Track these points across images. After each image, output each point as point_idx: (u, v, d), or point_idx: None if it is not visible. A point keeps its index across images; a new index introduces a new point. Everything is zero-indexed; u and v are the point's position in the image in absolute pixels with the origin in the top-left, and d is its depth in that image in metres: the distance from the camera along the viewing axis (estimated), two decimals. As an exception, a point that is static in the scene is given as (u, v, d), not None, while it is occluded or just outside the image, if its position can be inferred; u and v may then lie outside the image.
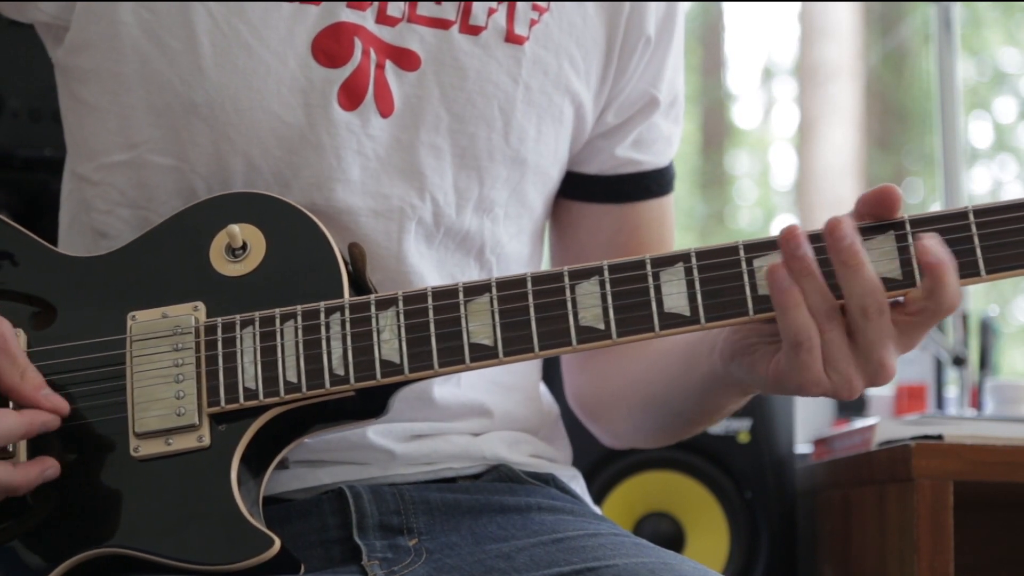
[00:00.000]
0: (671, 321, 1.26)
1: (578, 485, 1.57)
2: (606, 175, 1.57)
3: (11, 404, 1.28)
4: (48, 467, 1.27)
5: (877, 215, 1.25)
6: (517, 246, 1.53)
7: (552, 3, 1.49)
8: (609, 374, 1.57)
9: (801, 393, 1.27)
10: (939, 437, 1.84)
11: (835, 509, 2.19)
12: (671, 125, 1.60)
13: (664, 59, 1.56)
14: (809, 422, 2.67)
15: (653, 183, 1.59)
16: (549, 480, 1.51)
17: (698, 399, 1.46)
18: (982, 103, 10.09)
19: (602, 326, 1.27)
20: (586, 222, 1.58)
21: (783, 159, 11.26)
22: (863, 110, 9.74)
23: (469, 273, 1.48)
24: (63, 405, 1.28)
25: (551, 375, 1.67)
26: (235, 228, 1.33)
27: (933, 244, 1.22)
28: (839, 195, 9.01)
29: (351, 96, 1.41)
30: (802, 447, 2.44)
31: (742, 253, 1.26)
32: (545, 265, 1.62)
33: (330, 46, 1.41)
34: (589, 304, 1.27)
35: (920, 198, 9.84)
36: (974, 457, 1.82)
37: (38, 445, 1.29)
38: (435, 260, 1.46)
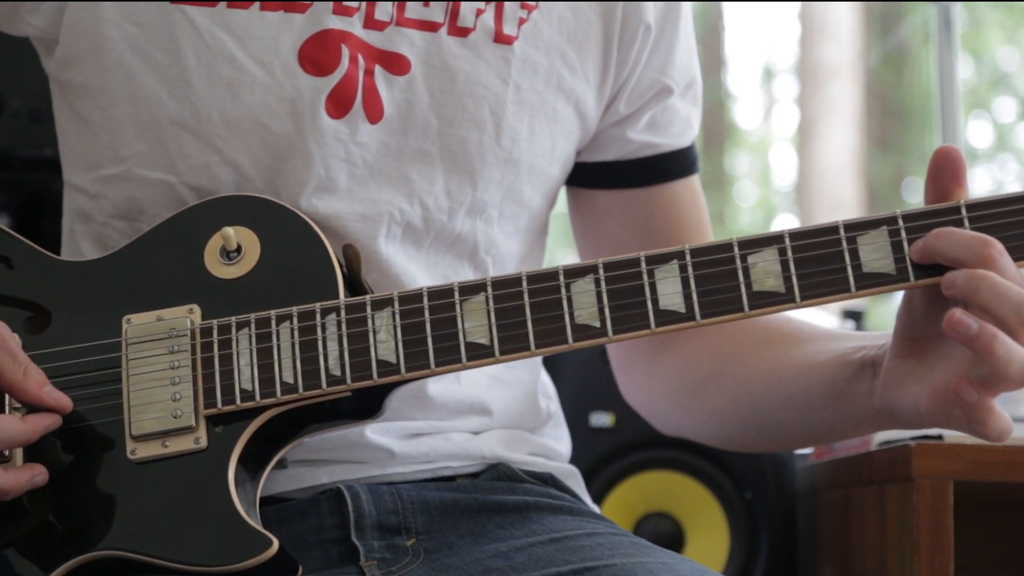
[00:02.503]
0: (666, 318, 1.26)
1: (576, 484, 1.56)
2: (625, 160, 1.57)
3: (7, 404, 1.28)
4: (37, 473, 1.27)
5: (947, 180, 1.25)
6: (514, 245, 1.53)
7: (541, 1, 1.49)
8: (707, 393, 1.54)
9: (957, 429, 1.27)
10: (939, 437, 1.83)
11: (835, 509, 2.18)
12: (689, 106, 1.60)
13: (672, 45, 1.56)
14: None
15: (674, 164, 1.59)
16: (548, 479, 1.51)
17: (841, 430, 1.43)
18: (982, 103, 10.09)
19: (598, 324, 1.26)
20: (614, 210, 1.58)
21: (783, 159, 11.26)
22: (863, 110, 9.74)
23: (463, 275, 1.48)
24: (66, 401, 1.28)
25: (554, 371, 1.66)
26: (230, 231, 1.33)
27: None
28: (839, 195, 9.01)
29: (339, 104, 1.40)
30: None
31: (736, 250, 1.26)
32: (547, 262, 1.63)
33: (317, 54, 1.40)
34: (584, 302, 1.27)
35: (920, 198, 9.82)
36: (974, 457, 1.82)
37: (34, 448, 1.29)
38: (425, 263, 1.45)
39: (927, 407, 1.25)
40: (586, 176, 1.58)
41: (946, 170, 1.25)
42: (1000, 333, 1.19)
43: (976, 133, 10.01)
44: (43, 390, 1.28)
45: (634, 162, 1.58)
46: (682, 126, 1.59)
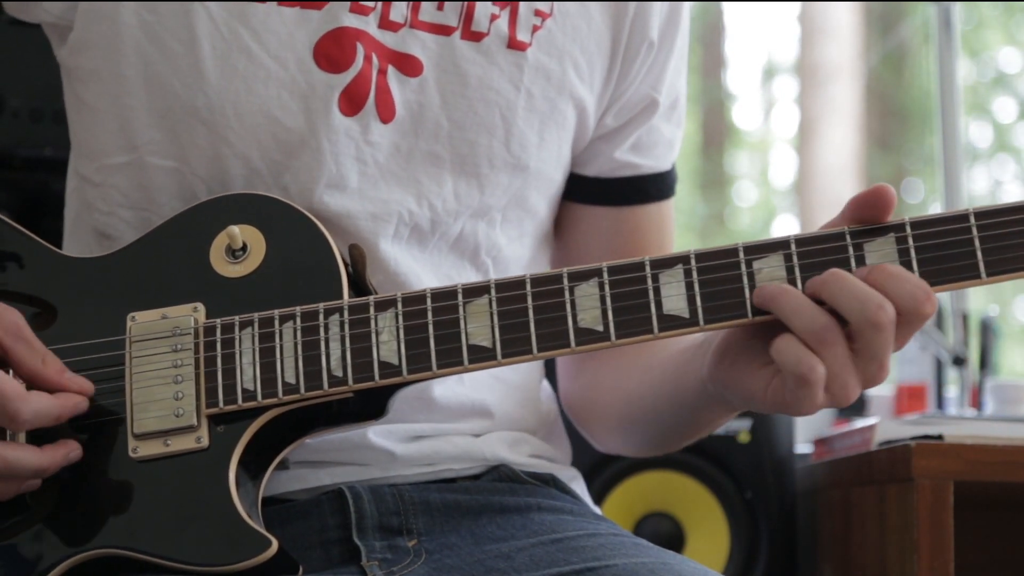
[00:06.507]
0: (670, 323, 1.26)
1: (578, 485, 1.57)
2: (604, 178, 1.57)
3: (13, 436, 1.28)
4: (72, 449, 1.28)
5: (870, 217, 1.24)
6: (518, 249, 1.53)
7: (556, 8, 1.49)
8: (600, 387, 1.57)
9: (798, 415, 1.27)
10: (939, 437, 1.83)
11: (835, 509, 2.18)
12: (672, 128, 1.60)
13: (666, 62, 1.56)
14: (809, 422, 2.67)
15: (651, 187, 1.59)
16: (549, 480, 1.51)
17: (688, 415, 1.46)
18: (982, 103, 10.09)
19: (601, 328, 1.26)
20: (583, 224, 1.58)
21: (783, 159, 11.25)
22: (863, 110, 9.74)
23: (465, 276, 1.48)
24: (88, 385, 1.29)
25: (555, 370, 1.67)
26: (235, 229, 1.33)
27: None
28: (839, 195, 8.99)
29: (352, 102, 1.41)
30: (802, 447, 2.44)
31: (742, 255, 1.26)
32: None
33: (332, 51, 1.41)
34: (588, 306, 1.27)
35: (920, 198, 9.84)
36: (974, 457, 1.82)
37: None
38: (430, 263, 1.46)
39: (777, 384, 1.26)
40: (564, 187, 1.58)
41: (875, 208, 1.24)
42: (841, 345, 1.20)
43: (976, 133, 10.02)
44: (64, 376, 1.28)
45: (614, 181, 1.57)
46: (664, 149, 1.59)
